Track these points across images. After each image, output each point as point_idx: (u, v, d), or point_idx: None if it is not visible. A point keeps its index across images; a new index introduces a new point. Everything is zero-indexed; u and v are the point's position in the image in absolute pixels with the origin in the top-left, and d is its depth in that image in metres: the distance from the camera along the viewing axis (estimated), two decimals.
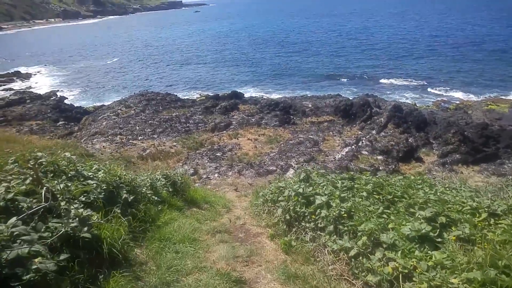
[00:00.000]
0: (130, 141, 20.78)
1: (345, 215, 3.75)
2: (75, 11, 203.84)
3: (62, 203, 2.76)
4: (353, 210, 3.82)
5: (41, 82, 48.90)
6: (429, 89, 35.40)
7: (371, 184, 4.49)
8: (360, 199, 4.12)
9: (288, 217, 4.56)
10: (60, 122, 26.30)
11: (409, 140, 21.71)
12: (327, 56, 54.03)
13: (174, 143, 20.62)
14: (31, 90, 40.34)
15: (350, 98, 29.29)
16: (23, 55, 74.44)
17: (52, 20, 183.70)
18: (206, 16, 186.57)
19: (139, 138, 21.50)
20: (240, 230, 4.95)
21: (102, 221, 2.86)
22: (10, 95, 37.11)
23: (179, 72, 51.67)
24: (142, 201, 4.52)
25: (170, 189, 6.12)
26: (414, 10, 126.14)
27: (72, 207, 2.78)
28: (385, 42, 62.42)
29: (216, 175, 15.96)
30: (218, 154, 18.88)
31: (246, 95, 34.30)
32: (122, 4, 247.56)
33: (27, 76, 52.36)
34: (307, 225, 4.22)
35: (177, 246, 3.86)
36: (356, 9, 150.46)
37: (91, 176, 3.74)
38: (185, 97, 33.68)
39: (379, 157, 19.62)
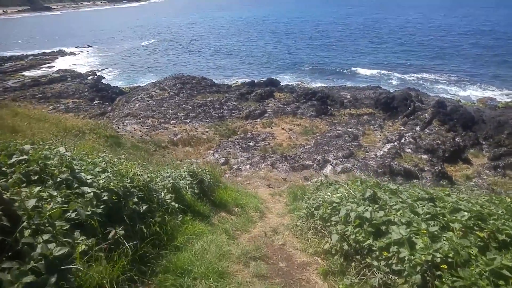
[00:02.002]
0: (162, 124, 20.26)
1: (445, 266, 2.53)
2: None
3: (26, 233, 1.81)
4: (451, 255, 2.61)
5: (83, 61, 49.97)
6: (471, 86, 32.54)
7: (466, 213, 3.20)
8: (455, 236, 2.88)
9: (346, 246, 3.40)
10: (95, 102, 26.33)
11: (456, 139, 19.82)
12: (365, 48, 51.50)
13: (207, 129, 19.86)
14: (72, 68, 41.10)
15: (391, 91, 27.12)
16: (68, 35, 76.85)
17: (99, 2, 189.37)
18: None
19: (171, 122, 20.93)
20: (280, 255, 3.84)
21: (81, 267, 1.86)
22: (52, 73, 38.14)
23: (216, 56, 50.88)
24: (159, 211, 3.54)
25: (196, 190, 5.14)
26: (464, 3, 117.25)
27: (40, 239, 1.81)
28: (427, 36, 58.39)
29: (247, 166, 14.97)
30: (251, 143, 17.89)
31: (283, 82, 32.81)
32: None
33: (71, 55, 53.80)
34: (375, 263, 3.05)
35: (198, 284, 2.81)
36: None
37: (89, 181, 2.78)
38: (221, 83, 32.76)
39: (424, 156, 18.15)
